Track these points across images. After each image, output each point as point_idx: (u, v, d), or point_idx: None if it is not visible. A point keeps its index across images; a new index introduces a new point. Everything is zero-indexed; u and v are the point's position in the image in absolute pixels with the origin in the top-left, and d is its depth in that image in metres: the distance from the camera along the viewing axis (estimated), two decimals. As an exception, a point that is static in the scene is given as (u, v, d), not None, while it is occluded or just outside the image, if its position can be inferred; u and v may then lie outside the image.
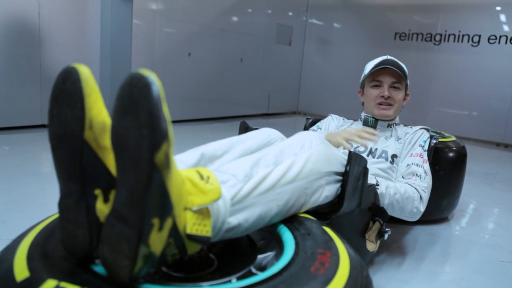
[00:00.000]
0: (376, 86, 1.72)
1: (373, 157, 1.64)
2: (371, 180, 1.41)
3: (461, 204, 2.36)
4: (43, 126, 3.84)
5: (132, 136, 0.55)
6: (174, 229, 0.64)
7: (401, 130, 1.74)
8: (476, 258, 1.74)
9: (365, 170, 1.17)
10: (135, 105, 0.55)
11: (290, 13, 6.43)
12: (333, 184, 1.06)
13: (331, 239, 0.83)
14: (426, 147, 1.66)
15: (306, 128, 1.97)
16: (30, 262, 0.67)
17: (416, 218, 1.50)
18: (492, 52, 5.05)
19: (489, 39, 5.07)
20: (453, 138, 2.16)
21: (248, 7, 5.56)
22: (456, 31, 5.30)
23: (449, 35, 5.36)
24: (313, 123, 1.98)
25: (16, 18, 3.53)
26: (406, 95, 1.80)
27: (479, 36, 5.13)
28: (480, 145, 5.06)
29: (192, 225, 0.67)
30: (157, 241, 0.61)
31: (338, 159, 1.08)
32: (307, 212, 1.04)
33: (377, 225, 1.33)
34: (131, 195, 0.58)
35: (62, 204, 0.67)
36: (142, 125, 0.55)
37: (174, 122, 4.81)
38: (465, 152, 2.12)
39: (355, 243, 1.28)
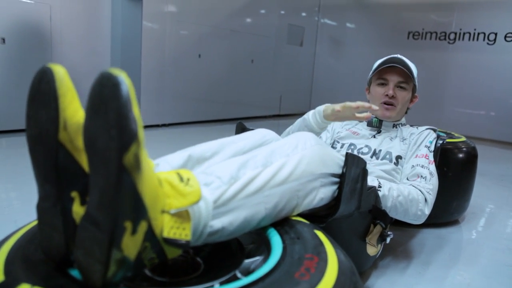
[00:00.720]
0: (382, 84, 1.68)
1: (377, 158, 1.60)
2: (373, 182, 1.37)
3: (473, 206, 2.29)
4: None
5: (102, 136, 0.54)
6: (150, 232, 0.62)
7: (406, 130, 1.69)
8: (486, 262, 1.68)
9: (364, 172, 1.13)
10: (105, 105, 0.54)
11: (302, 14, 6.40)
12: (329, 186, 1.02)
13: (321, 244, 0.80)
14: (432, 148, 1.61)
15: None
16: (8, 266, 0.66)
17: (421, 221, 1.45)
18: (509, 50, 4.93)
19: (505, 36, 4.94)
20: (463, 139, 2.10)
21: (258, 8, 5.55)
22: (471, 29, 5.18)
23: (464, 34, 5.25)
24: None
25: (28, 22, 3.59)
26: (414, 97, 1.75)
27: (495, 34, 5.01)
28: (497, 146, 4.93)
29: (169, 228, 0.65)
30: (131, 245, 0.59)
31: (335, 161, 1.05)
32: (302, 215, 1.01)
33: (378, 229, 1.30)
34: (101, 198, 0.56)
35: (39, 207, 0.66)
36: (111, 125, 0.53)
37: (184, 123, 4.83)
38: (475, 153, 2.06)
39: (355, 247, 1.25)
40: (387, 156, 1.59)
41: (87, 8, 3.97)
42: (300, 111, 6.66)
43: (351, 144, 1.68)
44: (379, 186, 1.36)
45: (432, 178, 1.51)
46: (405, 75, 1.65)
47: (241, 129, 1.29)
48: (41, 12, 3.64)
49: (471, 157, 2.04)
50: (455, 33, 5.31)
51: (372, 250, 1.29)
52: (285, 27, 5.99)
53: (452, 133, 2.25)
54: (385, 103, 1.66)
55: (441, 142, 1.64)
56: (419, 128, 1.70)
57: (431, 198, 1.46)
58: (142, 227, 0.60)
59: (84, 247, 0.59)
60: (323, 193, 1.00)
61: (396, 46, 5.61)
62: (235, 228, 0.77)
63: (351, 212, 1.14)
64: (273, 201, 0.84)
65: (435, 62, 5.49)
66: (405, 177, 1.54)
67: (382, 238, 1.31)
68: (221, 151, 0.96)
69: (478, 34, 5.14)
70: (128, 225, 0.58)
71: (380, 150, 1.62)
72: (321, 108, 1.54)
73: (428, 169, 1.53)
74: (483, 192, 2.71)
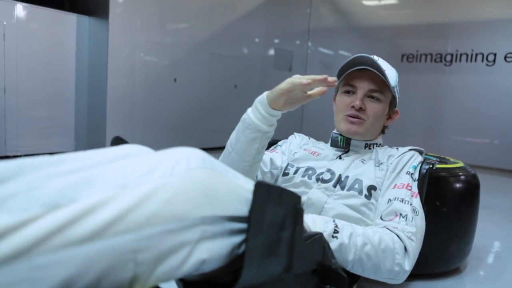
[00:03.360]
0: (349, 92, 1.28)
1: (342, 188, 1.17)
2: (326, 224, 0.94)
3: (477, 249, 1.84)
4: (6, 157, 3.50)
5: None
6: None
7: (383, 152, 1.27)
8: (497, 333, 1.22)
9: (297, 212, 0.71)
10: None
11: (290, 37, 6.11)
12: (224, 238, 0.60)
13: None
14: (417, 176, 1.18)
15: (261, 151, 1.52)
16: None
17: (399, 279, 1.01)
18: (510, 71, 4.56)
19: (505, 57, 4.59)
20: (461, 164, 1.68)
21: (242, 31, 5.24)
22: (468, 50, 4.84)
23: (460, 55, 4.90)
24: (272, 144, 1.53)
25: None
26: (393, 112, 1.34)
27: (494, 55, 4.66)
28: (502, 175, 4.48)
29: None
30: None
31: (240, 195, 0.62)
32: (188, 282, 0.60)
33: (330, 298, 0.86)
34: None
35: None
36: None
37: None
38: (476, 182, 1.63)
39: (292, 329, 0.81)
40: (356, 186, 1.17)
41: (48, 26, 3.65)
42: (290, 140, 6.28)
43: (308, 168, 1.25)
44: (335, 232, 0.94)
45: (415, 218, 1.08)
46: (378, 81, 1.25)
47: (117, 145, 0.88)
48: (-6, 31, 3.32)
49: (472, 188, 1.61)
50: (452, 55, 4.97)
51: (319, 332, 0.84)
52: (271, 51, 5.68)
53: (447, 157, 1.82)
54: (350, 116, 1.25)
55: (427, 167, 1.22)
56: (400, 149, 1.28)
57: (414, 247, 1.02)
58: None
59: None
60: (208, 251, 0.57)
61: (389, 70, 5.26)
62: None
63: (278, 275, 0.71)
64: (58, 275, 0.42)
65: (431, 86, 5.13)
66: (378, 216, 1.11)
67: (337, 311, 0.87)
68: (13, 178, 0.53)
69: (476, 55, 4.79)
70: None
71: (347, 177, 1.19)
72: (264, 94, 1.13)
73: (411, 204, 1.10)
74: (488, 229, 2.25)
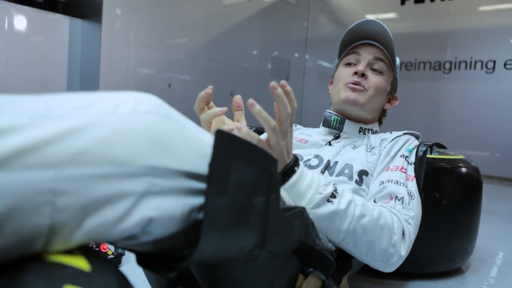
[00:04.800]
0: (350, 64, 1.21)
1: (331, 173, 1.07)
2: (326, 188, 0.82)
3: (480, 250, 1.74)
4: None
5: None
6: None
7: (375, 137, 1.18)
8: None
9: (273, 177, 0.61)
10: None
11: (287, 46, 6.07)
12: (179, 196, 0.49)
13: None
14: (413, 159, 1.09)
15: (245, 139, 1.43)
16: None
17: (392, 265, 0.89)
18: (510, 78, 4.49)
19: (505, 64, 4.53)
20: (462, 156, 1.58)
21: (239, 38, 5.20)
22: (467, 57, 4.79)
23: (459, 62, 4.84)
24: (258, 134, 1.44)
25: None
26: (393, 98, 1.27)
27: (494, 62, 4.60)
28: (504, 184, 4.37)
29: None
30: None
31: (200, 150, 0.52)
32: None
33: (313, 284, 0.75)
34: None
35: None
36: None
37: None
38: (479, 177, 1.53)
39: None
40: (346, 171, 1.07)
41: (40, 29, 3.60)
42: (288, 150, 6.17)
43: (295, 155, 1.16)
44: (333, 196, 0.82)
45: (412, 201, 0.98)
46: (385, 53, 1.19)
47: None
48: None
49: (474, 181, 1.51)
50: (451, 62, 4.91)
51: (301, 322, 0.73)
52: (268, 59, 5.64)
53: (449, 151, 1.73)
54: (350, 83, 1.16)
55: (423, 149, 1.12)
56: (394, 133, 1.18)
57: (412, 231, 0.92)
58: None
59: None
60: (157, 209, 0.47)
61: (388, 78, 5.19)
62: None
63: (250, 250, 0.61)
64: None
65: (430, 94, 5.06)
66: (371, 200, 1.01)
67: (322, 298, 0.76)
68: None
69: (475, 62, 4.73)
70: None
71: (336, 162, 1.09)
72: None
73: (406, 187, 1.00)
74: (492, 233, 2.14)
